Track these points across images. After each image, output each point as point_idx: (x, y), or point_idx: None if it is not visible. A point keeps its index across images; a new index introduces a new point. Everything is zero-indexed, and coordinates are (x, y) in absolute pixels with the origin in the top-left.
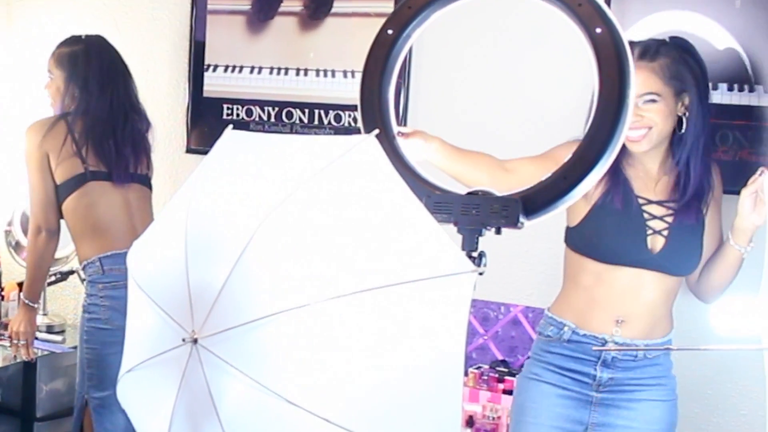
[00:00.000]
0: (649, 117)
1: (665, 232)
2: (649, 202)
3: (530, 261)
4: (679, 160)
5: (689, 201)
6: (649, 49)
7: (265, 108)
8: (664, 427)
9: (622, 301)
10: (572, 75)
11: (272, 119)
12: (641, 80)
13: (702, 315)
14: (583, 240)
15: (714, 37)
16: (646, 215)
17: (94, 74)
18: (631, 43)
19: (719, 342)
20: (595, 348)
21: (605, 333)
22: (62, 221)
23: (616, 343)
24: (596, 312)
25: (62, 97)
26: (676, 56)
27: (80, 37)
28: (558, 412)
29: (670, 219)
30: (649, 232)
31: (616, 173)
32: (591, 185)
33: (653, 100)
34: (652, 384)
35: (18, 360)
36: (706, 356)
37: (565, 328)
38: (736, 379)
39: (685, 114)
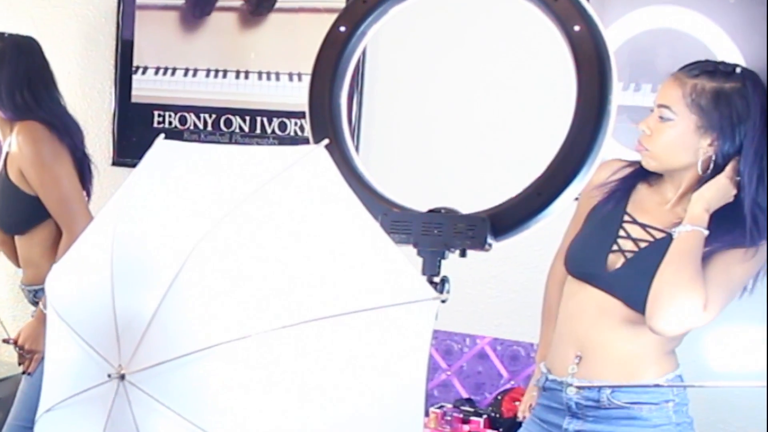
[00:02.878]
0: (649, 140)
1: (629, 255)
2: (634, 222)
3: (499, 287)
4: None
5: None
6: (697, 66)
7: (201, 115)
8: None
9: (580, 328)
10: (544, 78)
11: (209, 127)
12: (664, 89)
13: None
14: (568, 248)
15: (705, 33)
16: (621, 232)
17: (5, 81)
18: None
19: (719, 379)
20: (551, 380)
21: (565, 375)
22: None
23: (576, 385)
24: (560, 345)
25: None
26: (730, 89)
27: (2, 34)
28: None
29: (644, 244)
30: (614, 248)
31: (625, 181)
32: (568, 201)
33: (662, 117)
34: None
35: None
36: (706, 397)
37: (542, 375)
38: (738, 420)
39: (712, 159)
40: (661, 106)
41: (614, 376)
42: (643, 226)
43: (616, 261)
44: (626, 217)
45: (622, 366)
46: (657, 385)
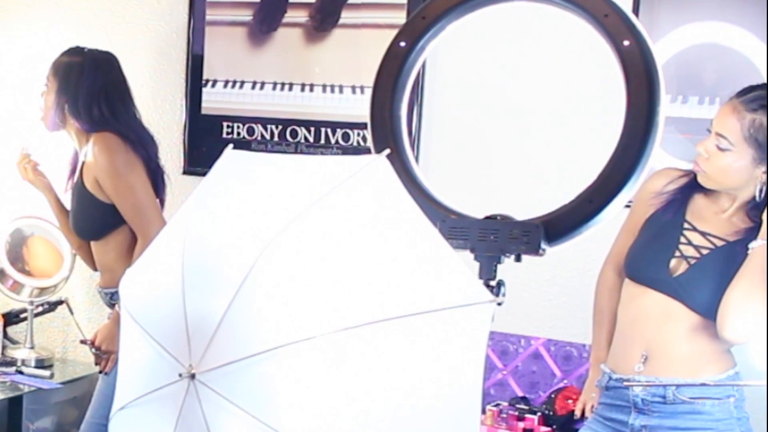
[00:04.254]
0: (706, 162)
1: (692, 261)
2: (694, 229)
3: (552, 290)
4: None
5: (737, 248)
6: (756, 100)
7: (268, 126)
8: None
9: (646, 330)
10: (598, 90)
11: (275, 138)
12: (722, 117)
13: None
14: (627, 254)
15: (748, 48)
16: (683, 239)
17: (83, 93)
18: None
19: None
20: (617, 378)
21: (631, 373)
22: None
23: (642, 382)
24: (624, 346)
25: (52, 109)
26: None
27: (83, 49)
28: None
29: (705, 251)
30: (677, 254)
31: (682, 190)
32: (618, 208)
33: (719, 146)
34: None
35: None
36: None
37: (605, 376)
38: None
39: (765, 183)
40: (719, 135)
41: (679, 374)
42: (704, 234)
43: (678, 267)
44: (686, 225)
45: (686, 364)
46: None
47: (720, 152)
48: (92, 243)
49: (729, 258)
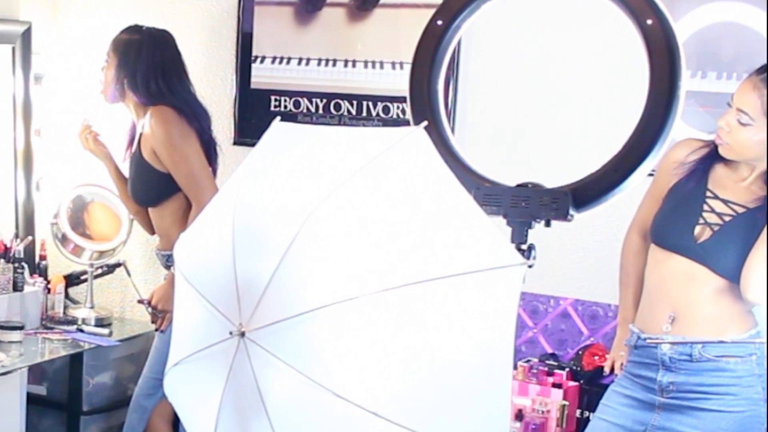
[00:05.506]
0: (727, 135)
1: (716, 227)
2: (716, 197)
3: (580, 254)
4: None
5: (758, 214)
6: None
7: (313, 99)
8: None
9: (672, 293)
10: (623, 66)
11: (320, 111)
12: (742, 93)
13: None
14: (652, 222)
15: (764, 26)
16: (705, 207)
17: (141, 68)
18: None
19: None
20: (649, 341)
21: (659, 333)
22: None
23: (669, 341)
24: (651, 307)
25: (112, 83)
26: None
27: (141, 27)
28: (622, 411)
29: (727, 218)
30: (701, 221)
31: (703, 161)
32: (642, 177)
33: (740, 120)
34: (720, 393)
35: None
36: None
37: (634, 335)
38: None
39: None
40: (739, 110)
41: (704, 333)
42: (725, 202)
43: (702, 233)
44: (708, 193)
45: (711, 324)
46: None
47: (741, 126)
48: (150, 209)
49: (750, 224)
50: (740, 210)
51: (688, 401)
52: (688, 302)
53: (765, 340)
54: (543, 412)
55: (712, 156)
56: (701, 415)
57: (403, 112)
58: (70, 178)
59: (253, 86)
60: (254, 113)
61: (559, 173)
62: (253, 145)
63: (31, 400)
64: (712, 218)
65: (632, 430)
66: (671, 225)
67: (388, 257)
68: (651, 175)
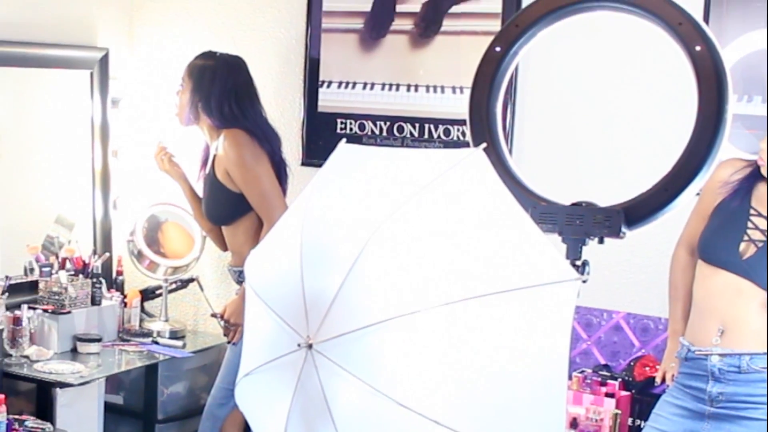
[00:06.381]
0: (763, 154)
1: (760, 244)
2: (759, 215)
3: (631, 269)
4: None
5: None
6: None
7: (377, 122)
8: None
9: (721, 308)
10: (673, 90)
11: (384, 133)
12: None
13: None
14: (699, 239)
15: None
16: (750, 224)
17: (215, 93)
18: None
19: None
20: (698, 353)
21: (708, 346)
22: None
23: (718, 353)
24: (701, 321)
25: (187, 106)
26: None
27: (215, 53)
28: (674, 420)
29: None
30: (746, 238)
31: (747, 180)
32: (691, 196)
33: None
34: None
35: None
36: None
37: (684, 348)
38: None
39: None
40: None
41: (752, 346)
42: None
43: (747, 249)
44: (752, 211)
45: (759, 336)
46: None
47: None
48: (223, 227)
49: None
50: None
51: (737, 411)
52: (736, 316)
53: None
54: (596, 420)
55: (754, 175)
56: (749, 424)
57: (463, 134)
58: (146, 197)
59: (320, 110)
60: (321, 135)
61: (611, 193)
62: (320, 165)
63: (109, 408)
64: (756, 235)
65: None
66: (718, 242)
67: (449, 272)
68: (698, 194)
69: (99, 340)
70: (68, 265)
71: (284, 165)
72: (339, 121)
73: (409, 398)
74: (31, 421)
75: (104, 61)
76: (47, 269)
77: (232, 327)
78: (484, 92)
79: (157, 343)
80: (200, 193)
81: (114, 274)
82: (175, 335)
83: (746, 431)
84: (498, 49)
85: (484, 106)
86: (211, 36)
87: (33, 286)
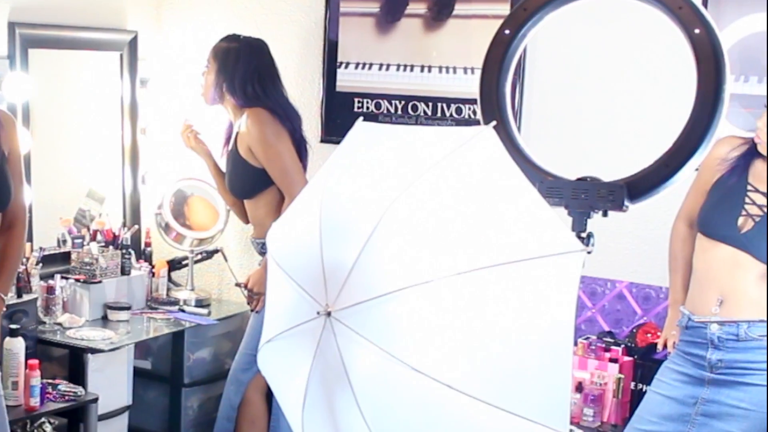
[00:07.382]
0: (765, 134)
1: (757, 218)
2: (756, 191)
3: (634, 241)
4: None
5: None
6: None
7: (393, 102)
8: None
9: (720, 279)
10: (673, 71)
11: (399, 112)
12: None
13: None
14: (699, 214)
15: None
16: (747, 199)
17: (239, 74)
18: None
19: None
20: (699, 321)
21: (708, 315)
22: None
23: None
24: (701, 291)
25: (212, 87)
26: None
27: (239, 36)
28: (675, 386)
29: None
30: (743, 213)
31: (744, 157)
32: (690, 171)
33: None
34: (765, 369)
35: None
36: None
37: (684, 317)
38: None
39: None
40: None
41: (750, 315)
42: (765, 195)
43: (745, 224)
44: (749, 187)
45: (756, 306)
46: None
47: None
48: (245, 201)
49: None
50: None
51: (735, 377)
52: (734, 287)
53: None
54: (600, 384)
55: (751, 152)
56: (747, 389)
57: (474, 112)
58: (173, 172)
59: (338, 89)
60: (339, 114)
61: (615, 168)
62: (338, 142)
63: (138, 373)
64: (753, 210)
65: (684, 402)
66: (717, 217)
67: (460, 244)
68: (697, 170)
69: (128, 308)
70: (99, 236)
71: (304, 142)
72: (356, 100)
73: (422, 363)
74: (63, 385)
75: (133, 44)
76: (79, 241)
77: (255, 296)
78: (494, 73)
79: (183, 311)
80: (224, 168)
81: (142, 246)
82: (200, 303)
83: (743, 395)
84: (507, 32)
85: (494, 86)
86: (235, 19)
87: (66, 257)
